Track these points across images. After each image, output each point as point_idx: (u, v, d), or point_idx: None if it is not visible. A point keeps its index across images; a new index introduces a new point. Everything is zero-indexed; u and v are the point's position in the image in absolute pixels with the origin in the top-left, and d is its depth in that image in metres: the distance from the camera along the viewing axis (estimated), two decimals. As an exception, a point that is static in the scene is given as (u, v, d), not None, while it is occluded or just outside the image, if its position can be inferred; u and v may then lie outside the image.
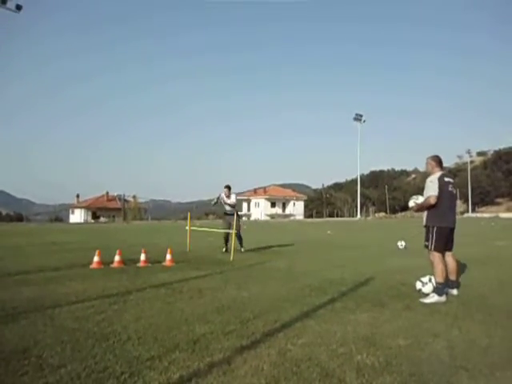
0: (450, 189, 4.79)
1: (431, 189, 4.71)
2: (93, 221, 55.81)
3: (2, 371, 2.54)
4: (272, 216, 70.35)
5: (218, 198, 9.69)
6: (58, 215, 65.73)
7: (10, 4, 35.20)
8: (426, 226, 4.82)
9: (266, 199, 75.07)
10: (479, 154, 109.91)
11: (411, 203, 5.08)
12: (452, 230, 4.85)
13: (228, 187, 9.65)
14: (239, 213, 10.45)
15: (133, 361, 2.71)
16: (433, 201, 4.65)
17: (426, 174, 5.09)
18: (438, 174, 4.81)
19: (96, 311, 3.97)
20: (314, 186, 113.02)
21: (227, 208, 9.72)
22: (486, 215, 63.36)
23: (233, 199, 9.63)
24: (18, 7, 35.73)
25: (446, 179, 4.79)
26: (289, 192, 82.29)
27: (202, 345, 3.03)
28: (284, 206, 77.63)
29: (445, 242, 4.78)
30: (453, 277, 4.94)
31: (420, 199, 4.96)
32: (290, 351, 2.92)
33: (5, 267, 6.97)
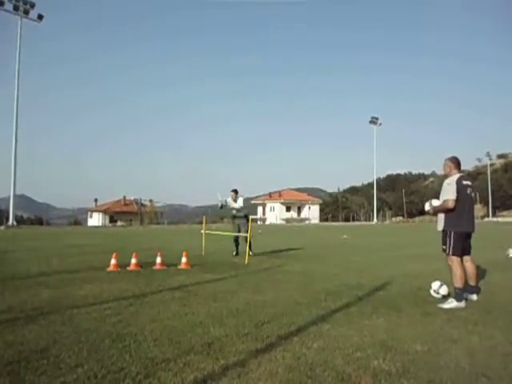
0: (468, 192, 4.65)
1: (449, 192, 4.57)
2: (110, 224, 56.67)
3: (22, 370, 2.59)
4: (287, 220, 70.06)
5: (226, 202, 9.77)
6: (77, 219, 67.14)
7: (32, 14, 36.49)
8: (443, 231, 4.72)
9: (281, 203, 74.76)
10: (499, 156, 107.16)
11: (427, 206, 4.98)
12: (470, 234, 4.75)
13: (235, 191, 9.79)
14: (253, 216, 10.59)
15: (148, 362, 2.73)
16: (451, 204, 4.51)
17: (444, 178, 4.96)
18: (457, 176, 4.67)
19: (113, 313, 4.03)
20: (329, 190, 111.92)
21: (234, 212, 9.81)
22: (508, 219, 61.57)
23: (240, 203, 9.67)
24: (40, 17, 36.96)
25: (465, 182, 4.65)
26: (304, 196, 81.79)
27: (217, 347, 3.03)
28: (299, 210, 77.18)
29: (463, 247, 4.67)
30: (472, 282, 4.82)
31: (436, 202, 4.85)
32: (305, 355, 2.89)
33: (25, 269, 7.14)
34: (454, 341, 3.25)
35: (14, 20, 35.47)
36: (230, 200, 9.76)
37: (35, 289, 5.26)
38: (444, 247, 4.68)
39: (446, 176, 4.86)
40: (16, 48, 35.29)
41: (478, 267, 5.08)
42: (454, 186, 4.56)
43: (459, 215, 4.60)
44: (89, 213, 69.66)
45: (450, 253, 4.60)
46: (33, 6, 35.82)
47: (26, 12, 35.69)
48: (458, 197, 4.53)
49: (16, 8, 34.98)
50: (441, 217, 4.73)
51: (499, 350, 3.07)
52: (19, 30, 35.37)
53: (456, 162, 4.80)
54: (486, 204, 75.87)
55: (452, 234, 4.60)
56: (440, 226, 4.75)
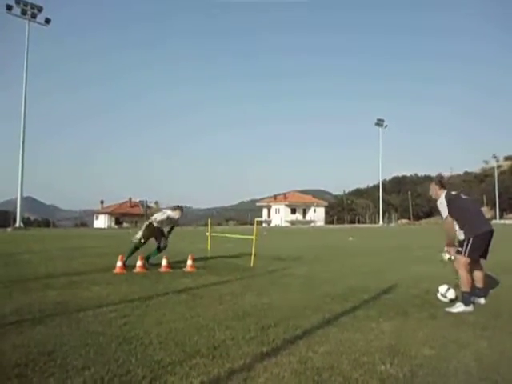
0: (463, 197, 4.84)
1: (443, 210, 4.72)
2: (116, 226, 56.95)
3: (30, 372, 2.60)
4: (292, 222, 70.04)
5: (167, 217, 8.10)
6: (83, 221, 67.61)
7: (40, 18, 36.92)
8: (463, 240, 4.67)
9: (287, 205, 74.76)
10: (507, 158, 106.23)
11: (445, 256, 4.91)
12: (490, 233, 4.71)
13: (181, 209, 8.38)
14: (258, 219, 10.09)
15: (154, 365, 2.73)
16: (449, 219, 4.64)
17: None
18: (443, 193, 4.83)
19: (119, 315, 4.04)
20: (334, 192, 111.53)
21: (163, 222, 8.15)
22: (515, 222, 60.91)
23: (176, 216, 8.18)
24: (47, 21, 37.40)
25: (453, 193, 4.85)
26: (309, 198, 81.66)
27: (223, 351, 3.02)
28: (304, 213, 77.09)
29: (482, 249, 4.65)
30: (480, 285, 4.78)
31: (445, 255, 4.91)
32: (312, 359, 2.87)
33: (33, 271, 7.20)
34: (462, 345, 3.22)
35: (22, 23, 35.94)
36: (173, 213, 8.13)
37: (42, 291, 5.30)
38: (460, 249, 4.63)
39: (435, 199, 4.94)
40: (23, 50, 35.71)
41: (485, 270, 5.03)
42: (444, 203, 4.72)
43: (470, 220, 4.65)
44: (95, 215, 70.09)
45: (466, 254, 4.55)
46: (40, 9, 36.29)
47: (34, 16, 36.15)
48: (453, 207, 4.64)
49: (24, 12, 35.45)
50: (460, 232, 4.72)
51: (508, 354, 3.04)
52: (27, 33, 35.81)
53: (440, 183, 5.01)
54: (494, 206, 75.24)
55: (471, 240, 4.57)
56: (461, 238, 4.72)
